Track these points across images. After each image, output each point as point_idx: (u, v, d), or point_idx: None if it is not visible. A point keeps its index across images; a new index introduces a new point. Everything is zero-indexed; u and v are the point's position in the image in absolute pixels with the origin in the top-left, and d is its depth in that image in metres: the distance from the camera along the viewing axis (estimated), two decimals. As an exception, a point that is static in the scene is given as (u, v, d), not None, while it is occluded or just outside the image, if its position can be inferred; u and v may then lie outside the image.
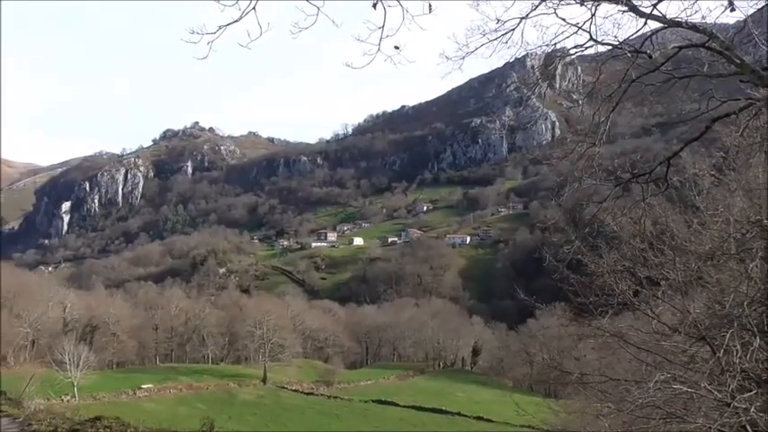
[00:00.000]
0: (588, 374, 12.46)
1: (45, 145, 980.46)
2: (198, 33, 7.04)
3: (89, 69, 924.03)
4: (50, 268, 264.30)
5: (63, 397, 53.03)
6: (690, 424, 8.17)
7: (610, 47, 8.74)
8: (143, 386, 65.23)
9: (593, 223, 11.73)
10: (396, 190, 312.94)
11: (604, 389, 11.55)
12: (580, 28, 8.43)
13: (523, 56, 9.92)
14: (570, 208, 14.03)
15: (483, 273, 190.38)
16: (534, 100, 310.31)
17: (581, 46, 8.70)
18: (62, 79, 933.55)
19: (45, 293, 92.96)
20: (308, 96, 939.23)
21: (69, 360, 54.09)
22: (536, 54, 10.36)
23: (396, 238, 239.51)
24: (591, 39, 8.50)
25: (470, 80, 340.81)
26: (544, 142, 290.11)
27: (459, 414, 64.67)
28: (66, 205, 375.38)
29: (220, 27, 7.05)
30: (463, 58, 8.85)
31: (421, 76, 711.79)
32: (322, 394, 75.38)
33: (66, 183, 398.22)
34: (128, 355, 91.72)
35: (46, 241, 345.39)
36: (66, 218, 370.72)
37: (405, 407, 68.17)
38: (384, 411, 66.09)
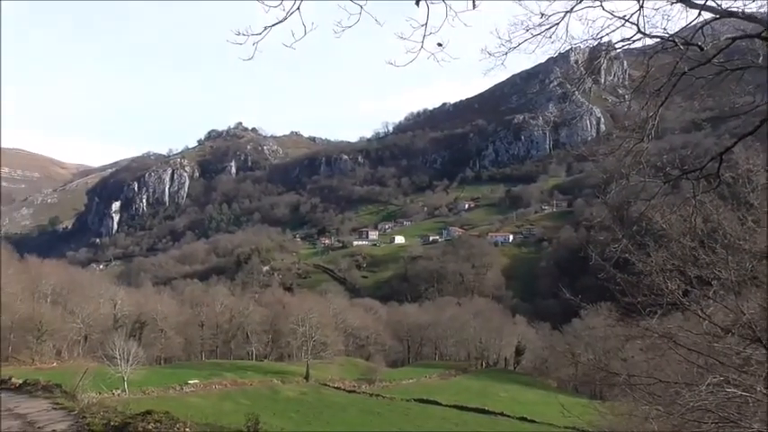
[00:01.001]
0: (636, 376, 12.13)
1: (95, 146, 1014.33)
2: (243, 35, 7.13)
3: (137, 72, 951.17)
4: (101, 266, 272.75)
5: (114, 391, 54.67)
6: (744, 429, 7.88)
7: (659, 39, 8.48)
8: (189, 381, 66.72)
9: (640, 221, 11.44)
10: (437, 188, 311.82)
11: (653, 391, 11.24)
12: (627, 20, 8.20)
13: (567, 51, 9.70)
14: (617, 205, 13.70)
15: (526, 271, 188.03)
16: (578, 95, 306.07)
17: (628, 39, 8.47)
18: (112, 82, 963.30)
19: (96, 290, 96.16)
20: (349, 95, 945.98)
21: (119, 355, 55.76)
22: (580, 49, 10.15)
23: (437, 237, 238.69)
24: (639, 31, 8.26)
25: (513, 76, 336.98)
26: (589, 138, 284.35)
27: (502, 414, 63.98)
28: (115, 205, 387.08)
29: (266, 28, 7.12)
30: (506, 53, 8.73)
31: (463, 73, 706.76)
32: (364, 392, 75.60)
33: (116, 183, 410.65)
34: (174, 351, 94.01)
35: (97, 240, 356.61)
36: (116, 217, 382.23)
37: (447, 406, 67.83)
38: (426, 410, 65.92)
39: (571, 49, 9.42)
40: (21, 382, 18.36)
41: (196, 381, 67.37)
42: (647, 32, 8.29)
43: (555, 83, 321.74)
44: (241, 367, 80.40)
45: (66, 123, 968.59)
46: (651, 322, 10.66)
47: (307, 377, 77.49)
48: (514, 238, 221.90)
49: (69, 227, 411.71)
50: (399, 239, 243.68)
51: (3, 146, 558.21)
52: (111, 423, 9.49)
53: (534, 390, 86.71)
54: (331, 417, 58.62)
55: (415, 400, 71.72)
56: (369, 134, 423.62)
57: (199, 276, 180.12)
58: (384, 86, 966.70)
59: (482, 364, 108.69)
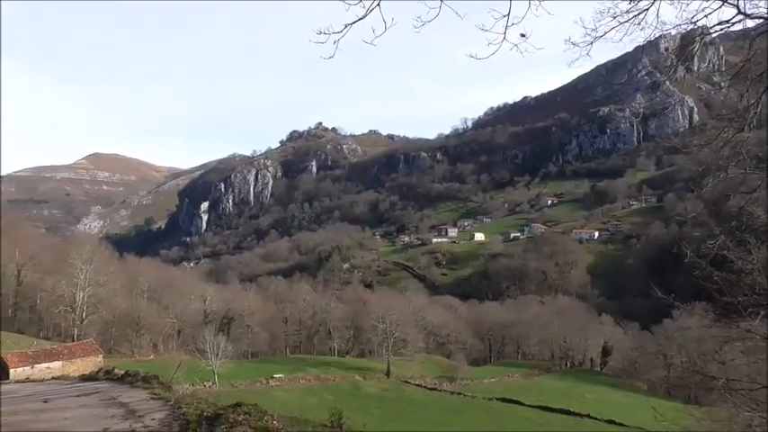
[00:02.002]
0: (737, 380, 11.41)
1: (185, 149, 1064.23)
2: (325, 33, 7.25)
3: (221, 77, 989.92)
4: (192, 264, 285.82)
5: (205, 383, 57.24)
6: None
7: (761, 20, 7.90)
8: (275, 376, 68.75)
9: (740, 216, 10.72)
10: (518, 184, 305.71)
11: (756, 397, 10.55)
12: (726, 2, 7.70)
13: (657, 38, 9.24)
14: (713, 200, 12.91)
15: (613, 269, 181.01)
16: (669, 85, 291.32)
17: (727, 22, 7.95)
18: (199, 88, 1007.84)
19: (188, 287, 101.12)
20: (427, 92, 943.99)
21: (210, 349, 58.31)
22: (671, 35, 9.63)
23: (518, 234, 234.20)
24: (739, 12, 7.73)
25: (598, 67, 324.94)
26: (681, 130, 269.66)
27: (588, 416, 61.88)
28: (204, 205, 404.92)
29: (346, 26, 7.21)
30: (591, 43, 8.41)
31: (545, 65, 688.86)
32: (445, 390, 75.28)
33: (204, 184, 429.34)
34: (260, 346, 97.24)
35: (188, 239, 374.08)
36: (205, 217, 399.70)
37: (530, 406, 66.41)
38: (508, 410, 64.83)
39: (661, 35, 8.97)
40: (122, 373, 19.55)
41: (281, 375, 69.33)
42: (749, 13, 7.74)
43: (643, 72, 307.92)
44: (324, 363, 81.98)
45: (159, 128, 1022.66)
46: (753, 323, 10.00)
47: (388, 374, 78.04)
48: (600, 235, 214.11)
49: (162, 227, 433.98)
50: (479, 236, 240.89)
51: (103, 152, 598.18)
52: (205, 413, 9.91)
53: (623, 392, 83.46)
54: (412, 414, 58.73)
55: (497, 399, 70.70)
56: (447, 131, 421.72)
57: (282, 273, 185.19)
58: (463, 82, 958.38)
59: (566, 365, 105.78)
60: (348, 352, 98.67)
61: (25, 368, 45.21)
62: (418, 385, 76.62)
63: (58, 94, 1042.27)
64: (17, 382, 33.64)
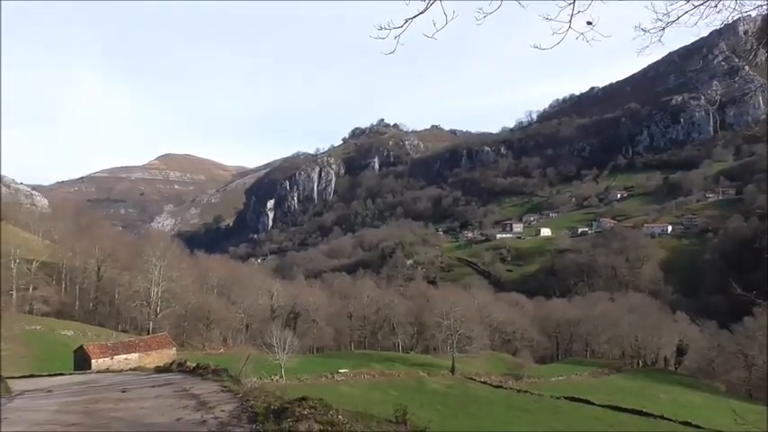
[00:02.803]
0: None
1: (252, 149, 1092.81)
2: (385, 29, 7.22)
3: (285, 76, 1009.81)
4: (259, 260, 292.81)
5: (272, 377, 58.58)
6: None
7: None
8: (340, 371, 69.62)
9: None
10: (585, 177, 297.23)
11: None
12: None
13: (735, 21, 8.71)
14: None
15: (687, 265, 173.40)
16: (749, 70, 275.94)
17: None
18: (264, 88, 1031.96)
19: (255, 283, 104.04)
20: (490, 86, 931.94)
21: (277, 343, 59.64)
22: (751, 17, 9.06)
23: (586, 229, 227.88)
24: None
25: (670, 54, 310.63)
26: (762, 117, 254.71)
27: (662, 417, 59.55)
28: (270, 203, 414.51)
29: (406, 20, 7.16)
30: (663, 29, 8.00)
31: (612, 54, 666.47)
32: (511, 388, 74.24)
33: (270, 182, 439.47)
34: (326, 341, 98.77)
35: (255, 236, 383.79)
36: (271, 214, 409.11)
37: (600, 406, 64.53)
38: (577, 409, 63.24)
39: (740, 18, 8.44)
40: (194, 365, 20.26)
41: (346, 370, 70.13)
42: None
43: (720, 58, 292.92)
44: (388, 358, 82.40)
45: (226, 128, 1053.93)
46: None
47: (452, 370, 77.71)
48: (673, 229, 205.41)
49: (230, 224, 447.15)
50: (545, 232, 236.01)
51: (175, 152, 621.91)
52: (272, 406, 10.11)
53: (699, 393, 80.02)
54: (477, 411, 58.22)
55: (565, 398, 69.11)
56: (511, 124, 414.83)
57: (346, 269, 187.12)
58: (527, 74, 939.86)
59: (638, 364, 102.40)
60: (412, 348, 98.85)
61: (105, 359, 47.58)
62: (483, 382, 75.89)
63: (132, 98, 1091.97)
64: (98, 372, 35.49)
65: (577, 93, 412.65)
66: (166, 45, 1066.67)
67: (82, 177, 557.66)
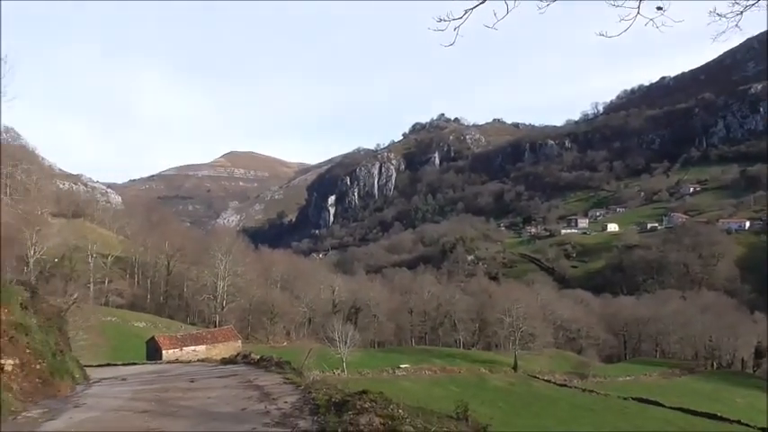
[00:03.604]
0: None
1: (313, 145, 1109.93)
2: (444, 20, 7.06)
3: (345, 72, 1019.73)
4: (320, 255, 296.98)
5: (334, 370, 59.37)
6: None
7: None
8: (401, 366, 69.89)
9: None
10: (655, 171, 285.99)
11: None
12: None
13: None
14: None
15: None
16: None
17: None
18: (324, 85, 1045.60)
19: (317, 278, 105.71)
20: (553, 77, 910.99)
21: (338, 338, 60.44)
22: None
23: (656, 224, 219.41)
24: None
25: (748, 39, 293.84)
26: None
27: (738, 422, 56.75)
28: (331, 199, 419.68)
29: (466, 11, 6.99)
30: (741, 13, 7.45)
31: (685, 41, 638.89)
32: (575, 387, 72.65)
33: (331, 178, 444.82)
34: (386, 336, 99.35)
35: (316, 231, 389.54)
36: (332, 210, 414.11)
37: (671, 408, 62.23)
38: (645, 411, 61.21)
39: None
40: (258, 358, 20.69)
41: (407, 365, 70.33)
42: None
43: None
44: (449, 354, 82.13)
45: (288, 125, 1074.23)
46: None
47: (515, 368, 76.69)
48: (752, 225, 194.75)
49: (293, 220, 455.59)
50: (612, 227, 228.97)
51: (239, 150, 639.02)
52: (333, 399, 10.15)
53: (780, 398, 75.66)
54: (540, 409, 57.26)
55: (632, 398, 67.12)
56: (576, 117, 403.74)
57: (407, 265, 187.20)
58: (592, 64, 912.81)
59: (712, 365, 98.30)
60: (474, 344, 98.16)
61: (175, 350, 49.43)
62: (547, 380, 74.58)
63: (198, 98, 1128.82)
64: (168, 362, 36.85)
65: (647, 83, 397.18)
66: (229, 45, 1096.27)
67: (152, 175, 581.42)
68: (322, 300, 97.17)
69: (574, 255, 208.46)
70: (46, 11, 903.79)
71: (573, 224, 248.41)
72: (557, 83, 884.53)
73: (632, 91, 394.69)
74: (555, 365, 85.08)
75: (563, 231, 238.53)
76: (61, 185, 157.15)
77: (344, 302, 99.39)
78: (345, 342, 60.50)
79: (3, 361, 11.48)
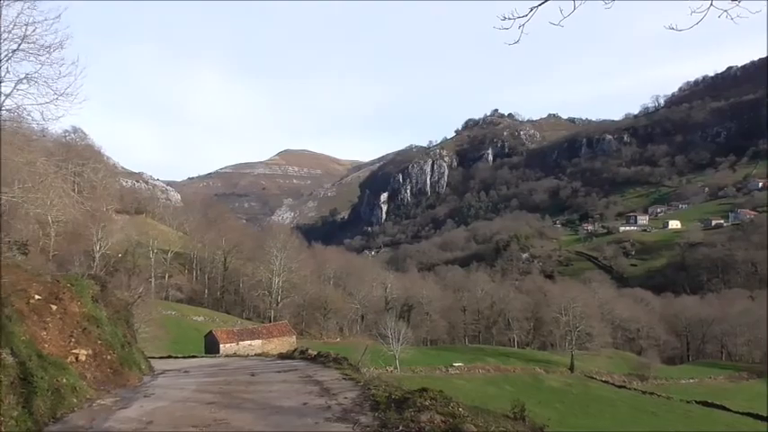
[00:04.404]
0: None
1: (365, 143, 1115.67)
2: (509, 18, 6.93)
3: (396, 70, 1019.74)
4: (373, 252, 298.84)
5: (387, 367, 59.63)
6: None
7: None
8: (454, 364, 69.52)
9: None
10: (720, 165, 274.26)
11: None
12: None
13: None
14: None
15: None
16: None
17: None
18: (375, 83, 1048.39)
19: (370, 275, 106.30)
20: (610, 71, 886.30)
21: (391, 335, 60.62)
22: None
23: (722, 221, 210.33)
24: None
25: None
26: None
27: (812, 430, 53.86)
28: (383, 196, 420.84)
29: (532, 9, 6.85)
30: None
31: (753, 30, 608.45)
32: (635, 389, 70.70)
33: (383, 176, 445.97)
34: (439, 334, 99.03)
35: (369, 228, 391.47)
36: (384, 207, 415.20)
37: (738, 413, 59.65)
38: (710, 415, 58.92)
39: None
40: (315, 353, 20.90)
41: (460, 364, 69.91)
42: None
43: None
44: (503, 353, 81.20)
45: (341, 124, 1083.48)
46: None
47: (571, 368, 75.20)
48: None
49: (346, 217, 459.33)
50: (674, 224, 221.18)
51: (293, 148, 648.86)
52: (393, 396, 10.13)
53: None
54: (598, 411, 55.94)
55: (696, 402, 64.72)
56: (635, 110, 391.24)
57: (459, 262, 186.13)
58: (652, 56, 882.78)
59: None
60: (528, 344, 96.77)
61: (232, 344, 50.67)
62: (605, 382, 72.81)
63: (255, 97, 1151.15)
64: (226, 356, 37.73)
65: (712, 74, 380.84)
66: (283, 45, 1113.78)
67: (210, 173, 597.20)
68: (374, 297, 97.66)
69: (633, 253, 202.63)
70: (105, 10, 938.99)
71: (632, 221, 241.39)
72: (614, 76, 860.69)
73: (696, 82, 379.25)
74: (613, 366, 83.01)
75: (621, 229, 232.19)
76: (124, 183, 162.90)
77: (397, 300, 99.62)
78: (398, 339, 60.64)
79: (77, 351, 12.00)
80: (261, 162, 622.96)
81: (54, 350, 11.35)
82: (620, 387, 70.98)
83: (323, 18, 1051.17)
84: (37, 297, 12.56)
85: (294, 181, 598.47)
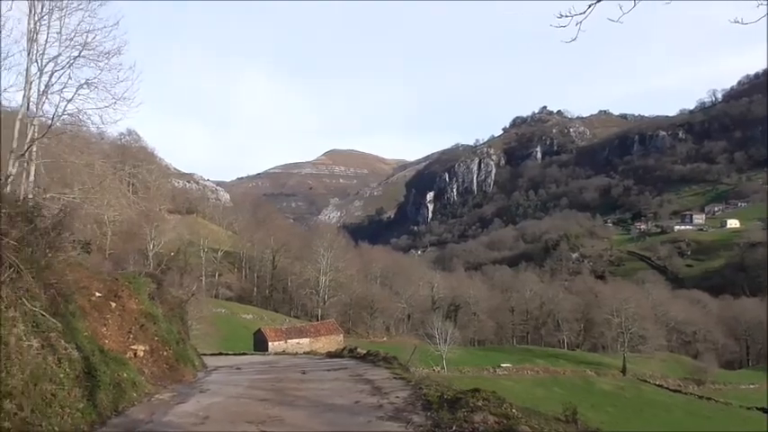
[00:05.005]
0: None
1: (411, 142, 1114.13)
2: (566, 16, 6.81)
3: (442, 68, 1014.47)
4: (419, 252, 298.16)
5: (434, 367, 59.40)
6: None
7: None
8: (502, 365, 68.73)
9: None
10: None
11: None
12: None
13: None
14: None
15: None
16: None
17: None
18: (420, 82, 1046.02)
19: (416, 274, 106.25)
20: (664, 65, 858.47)
21: (438, 335, 60.37)
22: None
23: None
24: None
25: None
26: None
27: None
28: (429, 195, 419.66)
29: (590, 6, 6.70)
30: None
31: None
32: (691, 393, 68.51)
33: (429, 175, 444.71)
34: (486, 334, 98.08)
35: (415, 228, 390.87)
36: (431, 206, 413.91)
37: (802, 421, 56.91)
38: (772, 422, 56.39)
39: None
40: (364, 352, 21.00)
41: (508, 364, 69.09)
42: None
43: None
44: (552, 355, 79.89)
45: (387, 123, 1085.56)
46: None
47: (624, 371, 73.36)
48: None
49: (392, 216, 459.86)
50: (733, 223, 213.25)
51: (340, 148, 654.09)
52: (445, 396, 10.07)
53: None
54: (652, 416, 54.47)
55: (757, 408, 62.10)
56: (690, 105, 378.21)
57: (507, 262, 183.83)
58: (709, 49, 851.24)
59: None
60: (579, 345, 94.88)
61: (280, 342, 51.43)
62: (659, 385, 70.79)
63: (301, 98, 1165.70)
64: (276, 353, 38.31)
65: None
66: (327, 45, 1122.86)
67: (258, 173, 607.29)
68: (421, 296, 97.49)
69: (688, 253, 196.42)
70: (149, 12, 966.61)
71: (687, 220, 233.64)
72: (668, 71, 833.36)
73: (756, 75, 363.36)
74: (667, 370, 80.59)
75: (676, 228, 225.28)
76: (176, 184, 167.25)
77: (444, 299, 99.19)
78: (445, 339, 60.36)
79: (135, 347, 12.37)
80: (308, 162, 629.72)
81: (114, 346, 11.74)
82: (674, 391, 68.94)
83: (367, 18, 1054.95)
84: (98, 294, 13.01)
85: (341, 180, 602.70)
